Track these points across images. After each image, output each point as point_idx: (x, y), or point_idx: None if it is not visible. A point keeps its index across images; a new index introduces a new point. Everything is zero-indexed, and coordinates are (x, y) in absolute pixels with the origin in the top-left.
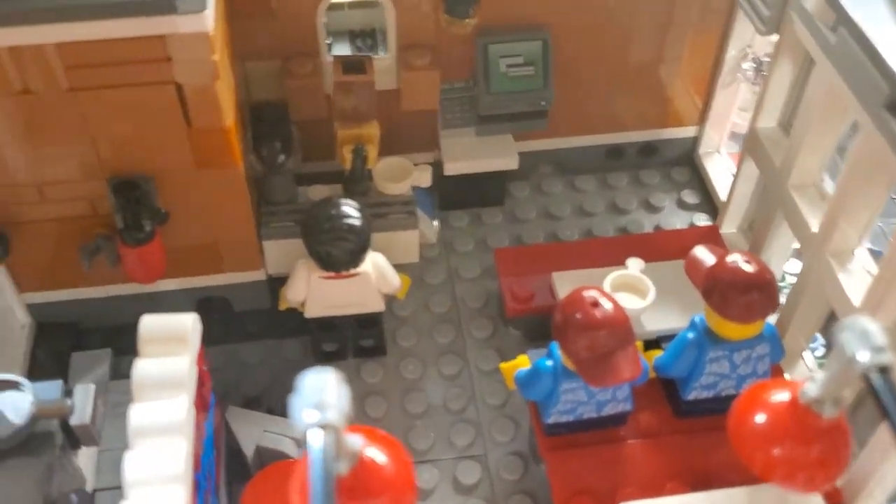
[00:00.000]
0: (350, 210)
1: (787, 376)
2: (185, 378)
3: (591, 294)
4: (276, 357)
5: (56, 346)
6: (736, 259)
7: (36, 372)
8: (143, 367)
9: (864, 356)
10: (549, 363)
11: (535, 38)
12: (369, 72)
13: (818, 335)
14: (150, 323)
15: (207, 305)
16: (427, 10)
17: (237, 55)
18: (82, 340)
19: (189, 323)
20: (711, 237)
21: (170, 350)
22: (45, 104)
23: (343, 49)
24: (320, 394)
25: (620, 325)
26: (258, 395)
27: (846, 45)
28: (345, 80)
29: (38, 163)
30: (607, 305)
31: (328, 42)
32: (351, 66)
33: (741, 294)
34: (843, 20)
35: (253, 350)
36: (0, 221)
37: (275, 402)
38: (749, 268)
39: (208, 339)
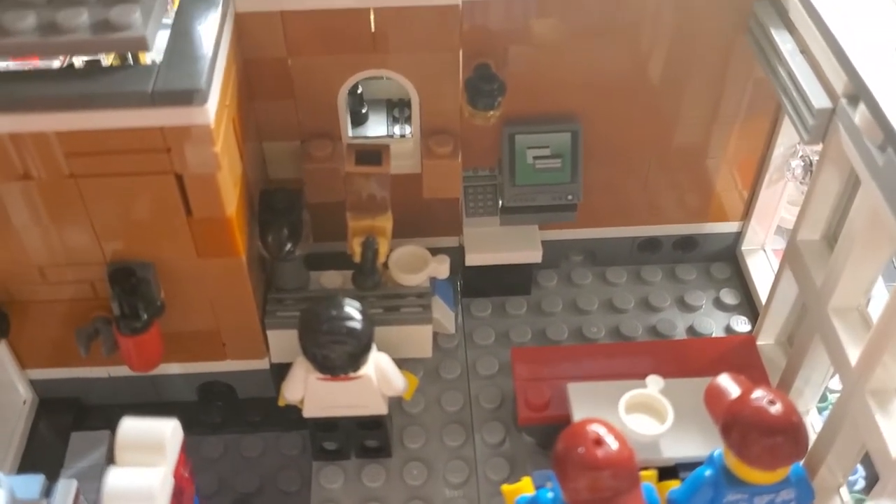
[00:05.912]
0: (352, 311)
1: None
2: (156, 493)
3: (595, 429)
4: (275, 451)
5: (58, 422)
6: (760, 397)
7: (36, 448)
8: (115, 478)
9: None
10: (550, 495)
11: (564, 129)
12: (385, 163)
13: (859, 467)
14: (128, 428)
15: (210, 391)
16: (451, 97)
17: (255, 136)
18: (85, 417)
19: (168, 431)
20: (747, 349)
21: (146, 459)
22: (46, 189)
23: (379, 119)
24: None
25: (625, 467)
26: (251, 493)
27: (894, 169)
28: (357, 171)
29: (39, 245)
30: (612, 444)
31: (364, 111)
32: (365, 156)
33: (763, 437)
34: (893, 141)
35: (252, 442)
36: (1, 300)
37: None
38: (774, 409)
39: (209, 428)
